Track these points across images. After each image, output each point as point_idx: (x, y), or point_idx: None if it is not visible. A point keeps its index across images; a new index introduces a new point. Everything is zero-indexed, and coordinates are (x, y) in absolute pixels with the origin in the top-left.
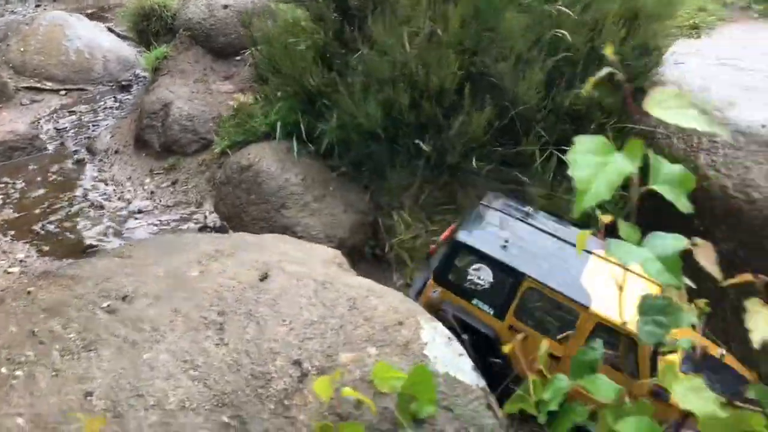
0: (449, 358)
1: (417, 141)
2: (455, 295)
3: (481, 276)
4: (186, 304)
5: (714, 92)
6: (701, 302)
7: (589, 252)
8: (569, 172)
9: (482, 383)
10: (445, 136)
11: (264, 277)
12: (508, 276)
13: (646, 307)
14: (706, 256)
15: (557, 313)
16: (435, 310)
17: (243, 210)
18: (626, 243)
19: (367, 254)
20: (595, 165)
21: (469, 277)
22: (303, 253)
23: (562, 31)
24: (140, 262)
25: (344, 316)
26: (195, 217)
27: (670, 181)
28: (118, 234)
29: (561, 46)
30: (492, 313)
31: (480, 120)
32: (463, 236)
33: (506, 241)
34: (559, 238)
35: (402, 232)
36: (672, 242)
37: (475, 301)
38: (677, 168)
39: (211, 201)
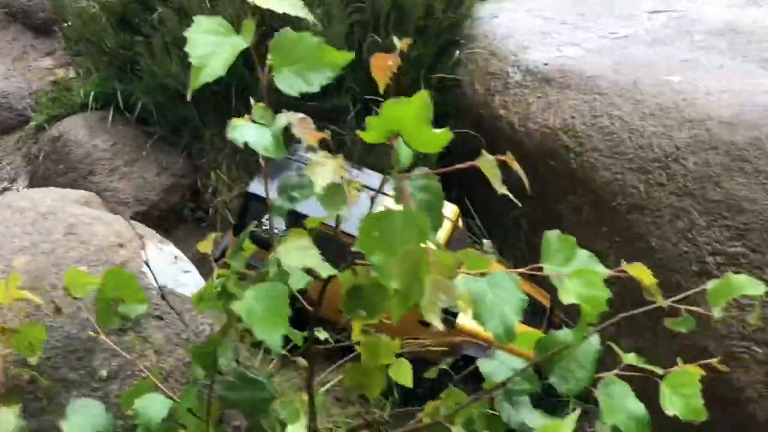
0: (171, 274)
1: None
2: (255, 246)
3: (275, 225)
4: None
5: (515, 38)
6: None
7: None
8: (186, 49)
9: None
10: (252, 93)
11: None
12: (295, 220)
13: (286, 186)
14: (303, 130)
15: (345, 251)
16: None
17: (53, 181)
18: (248, 124)
19: (187, 216)
20: (212, 44)
21: (264, 227)
22: (49, 196)
23: None
24: None
25: (58, 241)
26: (6, 193)
27: (302, 60)
28: None
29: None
30: None
31: None
32: (254, 187)
33: None
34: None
35: (223, 192)
36: (281, 120)
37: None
38: (314, 42)
39: (25, 176)
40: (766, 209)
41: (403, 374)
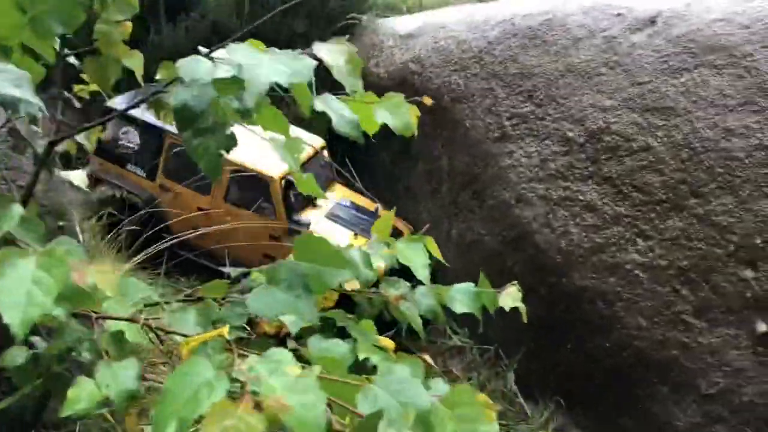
0: None
1: None
2: (113, 165)
3: (131, 139)
4: None
5: (393, 24)
6: None
7: None
8: None
9: None
10: None
11: None
12: (151, 135)
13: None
14: None
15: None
16: (99, 182)
17: None
18: None
19: None
20: None
21: (120, 143)
22: None
23: None
24: None
25: None
26: None
27: None
28: None
29: None
30: (144, 175)
31: None
32: (111, 103)
33: None
34: None
35: None
36: None
37: (129, 167)
38: None
39: None
40: (548, 69)
41: (136, 63)
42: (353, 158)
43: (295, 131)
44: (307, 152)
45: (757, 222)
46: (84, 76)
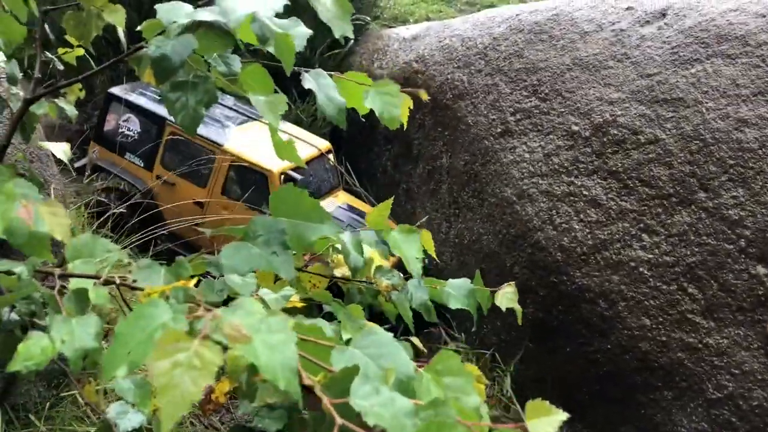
0: None
1: None
2: (110, 152)
3: (131, 127)
4: None
5: (398, 30)
6: None
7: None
8: None
9: None
10: None
11: None
12: (152, 122)
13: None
14: None
15: (200, 158)
16: (97, 169)
17: None
18: None
19: None
20: None
21: (120, 130)
22: None
23: None
24: None
25: None
26: None
27: None
28: None
29: None
30: (142, 165)
31: None
32: (114, 90)
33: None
34: (226, 106)
35: None
36: None
37: (127, 156)
38: None
39: None
40: (554, 64)
41: (118, 18)
42: (353, 162)
43: (299, 132)
44: (310, 152)
45: None
46: (68, 38)
